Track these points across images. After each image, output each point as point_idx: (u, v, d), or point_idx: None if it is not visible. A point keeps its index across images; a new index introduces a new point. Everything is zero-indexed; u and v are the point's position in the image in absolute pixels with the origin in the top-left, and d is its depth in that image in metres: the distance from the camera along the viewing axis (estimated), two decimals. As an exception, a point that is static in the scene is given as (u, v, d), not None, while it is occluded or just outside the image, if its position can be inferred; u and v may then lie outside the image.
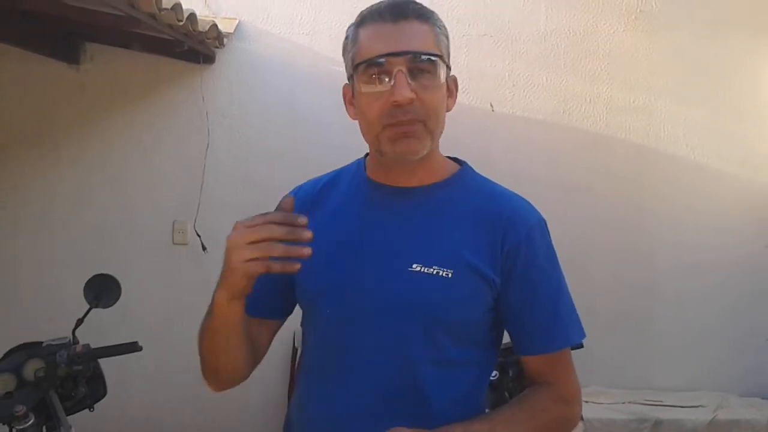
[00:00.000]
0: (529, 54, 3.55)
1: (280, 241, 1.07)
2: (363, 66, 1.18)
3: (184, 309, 3.55)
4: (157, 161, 3.57)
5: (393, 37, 1.16)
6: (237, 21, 3.48)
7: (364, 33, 1.20)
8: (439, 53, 1.19)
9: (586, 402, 3.17)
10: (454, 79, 1.28)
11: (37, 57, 3.33)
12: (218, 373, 1.34)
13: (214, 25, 3.25)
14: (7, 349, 2.10)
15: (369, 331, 1.21)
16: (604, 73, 3.55)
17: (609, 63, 3.54)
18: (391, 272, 1.21)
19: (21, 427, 1.89)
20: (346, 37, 1.25)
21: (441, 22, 1.23)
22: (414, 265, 1.20)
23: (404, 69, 1.15)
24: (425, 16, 1.20)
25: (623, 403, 3.30)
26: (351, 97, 1.26)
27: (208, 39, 3.27)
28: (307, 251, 1.05)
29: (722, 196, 3.55)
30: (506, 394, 2.33)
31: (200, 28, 3.10)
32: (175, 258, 3.57)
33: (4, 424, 1.94)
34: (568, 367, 1.30)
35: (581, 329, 1.30)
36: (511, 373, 2.36)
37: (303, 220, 1.06)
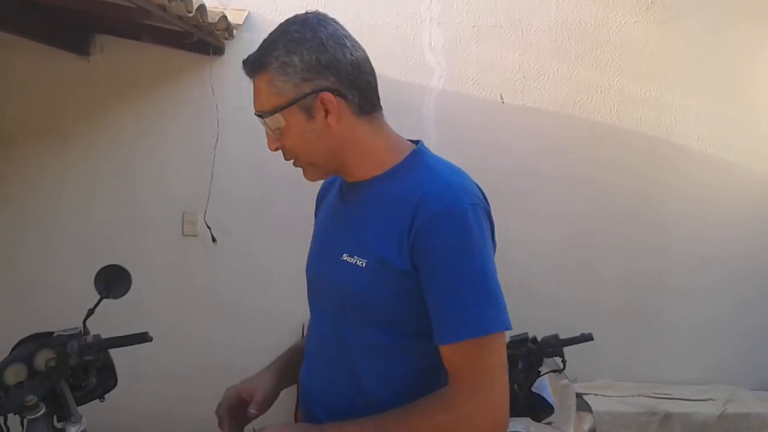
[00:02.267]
0: (539, 45, 3.53)
1: None
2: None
3: (194, 300, 3.58)
4: (167, 153, 3.57)
5: (253, 96, 1.33)
6: (246, 12, 3.47)
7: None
8: (271, 107, 1.28)
9: (596, 395, 3.18)
10: (321, 98, 1.26)
11: (46, 48, 3.33)
12: None
13: (224, 17, 3.24)
14: (18, 340, 2.11)
15: (320, 313, 1.40)
16: (615, 65, 3.52)
17: (620, 54, 3.52)
18: (330, 262, 1.34)
19: (32, 416, 1.90)
20: None
21: (281, 57, 1.26)
22: (344, 255, 1.30)
23: (265, 124, 1.32)
24: (259, 66, 1.29)
25: (633, 396, 3.30)
26: None
27: (217, 30, 3.26)
28: None
29: (733, 189, 3.54)
30: (515, 386, 2.32)
31: (210, 20, 3.09)
32: (185, 249, 3.58)
33: (15, 413, 1.94)
34: (477, 367, 1.20)
35: (492, 321, 1.19)
36: (520, 365, 2.36)
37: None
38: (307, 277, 1.47)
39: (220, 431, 1.43)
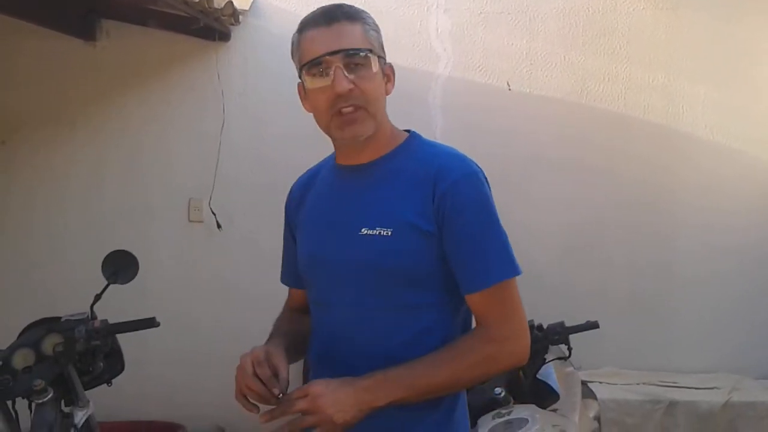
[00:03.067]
0: (547, 32, 3.51)
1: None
2: (307, 66, 1.39)
3: (200, 286, 3.59)
4: (173, 139, 3.57)
5: (328, 38, 1.36)
6: (252, -2, 3.46)
7: (304, 38, 1.40)
8: (368, 47, 1.38)
9: (601, 383, 3.18)
10: (391, 67, 1.46)
11: (53, 34, 3.33)
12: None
13: (230, 2, 3.23)
14: (26, 325, 2.13)
15: (334, 290, 1.45)
16: (623, 52, 3.50)
17: (628, 41, 3.50)
18: (346, 238, 1.41)
19: (40, 401, 1.92)
20: (292, 44, 1.44)
21: (371, 19, 1.43)
22: (362, 230, 1.40)
23: (340, 65, 1.35)
24: (354, 16, 1.40)
25: (638, 384, 3.30)
26: (304, 94, 1.47)
27: (223, 16, 3.26)
28: (262, 420, 1.33)
29: (741, 177, 3.52)
30: (521, 373, 2.32)
31: (216, 5, 3.09)
32: (191, 235, 3.59)
33: (23, 398, 1.96)
34: (504, 306, 1.39)
35: (513, 266, 1.39)
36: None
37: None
38: (312, 263, 1.50)
39: (250, 390, 1.35)
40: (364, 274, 1.40)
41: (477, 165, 1.43)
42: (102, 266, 2.18)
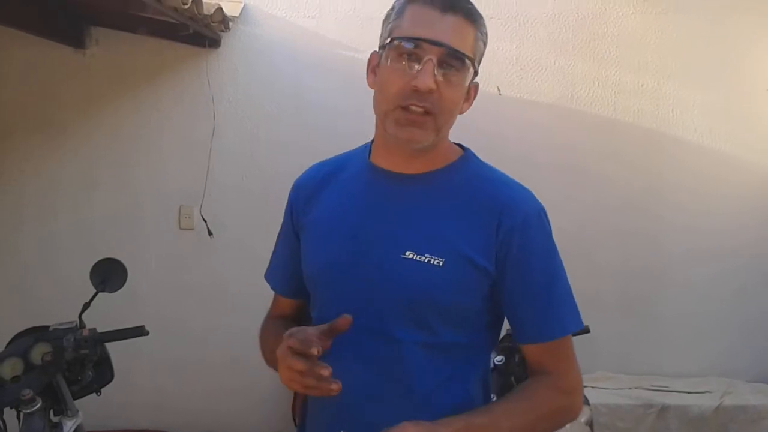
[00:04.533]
0: (537, 37, 3.52)
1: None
2: (398, 41, 1.19)
3: (190, 294, 3.58)
4: (163, 146, 3.56)
5: (436, 25, 1.18)
6: (242, 4, 3.45)
7: (411, 11, 1.21)
8: (472, 56, 1.21)
9: (593, 387, 3.18)
10: (476, 87, 1.29)
11: (43, 41, 3.32)
12: None
13: (220, 9, 3.23)
14: (15, 333, 2.11)
15: (362, 314, 1.21)
16: (612, 56, 3.51)
17: (618, 46, 3.51)
18: (385, 258, 1.24)
19: (28, 410, 1.90)
20: (392, 8, 1.25)
21: (485, 29, 1.26)
22: (407, 253, 1.23)
23: (435, 59, 1.17)
24: (473, 17, 1.22)
25: (630, 388, 3.30)
26: (376, 66, 1.27)
27: (213, 23, 3.25)
28: (336, 387, 1.09)
29: (731, 181, 3.53)
30: (512, 378, 2.33)
31: (205, 12, 3.08)
32: (182, 243, 3.57)
33: (11, 407, 1.95)
34: (568, 357, 1.30)
35: (578, 319, 1.29)
36: (517, 358, 2.36)
37: (327, 371, 1.09)
38: (329, 274, 1.31)
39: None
40: (400, 302, 1.23)
41: (538, 200, 1.31)
42: (90, 274, 2.17)
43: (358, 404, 1.24)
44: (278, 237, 1.48)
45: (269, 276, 1.48)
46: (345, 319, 1.13)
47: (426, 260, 1.22)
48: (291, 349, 1.11)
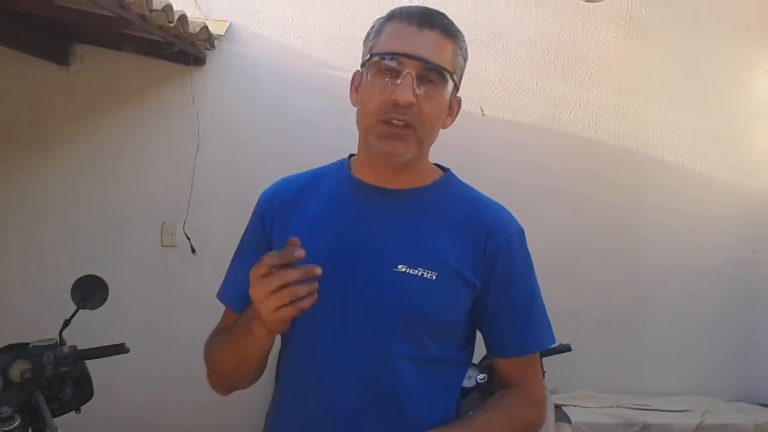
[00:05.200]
0: (519, 59, 3.56)
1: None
2: (377, 58, 1.22)
3: (172, 311, 3.55)
4: (147, 163, 3.55)
5: (413, 40, 1.20)
6: (228, 23, 3.47)
7: (389, 29, 1.24)
8: (450, 69, 1.23)
9: (575, 406, 3.19)
10: (459, 101, 1.32)
11: (27, 58, 3.31)
12: (235, 385, 1.37)
13: (205, 27, 3.25)
14: (-6, 350, 2.09)
15: (352, 329, 1.23)
16: (594, 78, 3.56)
17: (599, 68, 3.56)
18: (376, 272, 1.24)
19: (7, 428, 1.88)
20: (372, 27, 1.28)
21: (464, 44, 1.28)
22: (399, 266, 1.23)
23: (413, 73, 1.19)
24: (451, 32, 1.25)
25: (611, 407, 3.31)
26: (358, 84, 1.29)
27: (198, 41, 3.26)
28: (318, 271, 1.08)
29: (711, 201, 3.58)
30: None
31: (191, 30, 3.09)
32: (164, 260, 3.55)
33: (-11, 425, 1.92)
34: (537, 372, 1.38)
35: (552, 335, 1.36)
36: (499, 377, 2.35)
37: (301, 254, 1.08)
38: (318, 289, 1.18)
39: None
40: (394, 317, 1.22)
41: (517, 220, 1.37)
42: (71, 291, 2.16)
43: (345, 418, 1.24)
44: (238, 252, 1.45)
45: (225, 294, 1.41)
46: (295, 239, 1.11)
47: (419, 273, 1.23)
48: (273, 268, 1.07)
